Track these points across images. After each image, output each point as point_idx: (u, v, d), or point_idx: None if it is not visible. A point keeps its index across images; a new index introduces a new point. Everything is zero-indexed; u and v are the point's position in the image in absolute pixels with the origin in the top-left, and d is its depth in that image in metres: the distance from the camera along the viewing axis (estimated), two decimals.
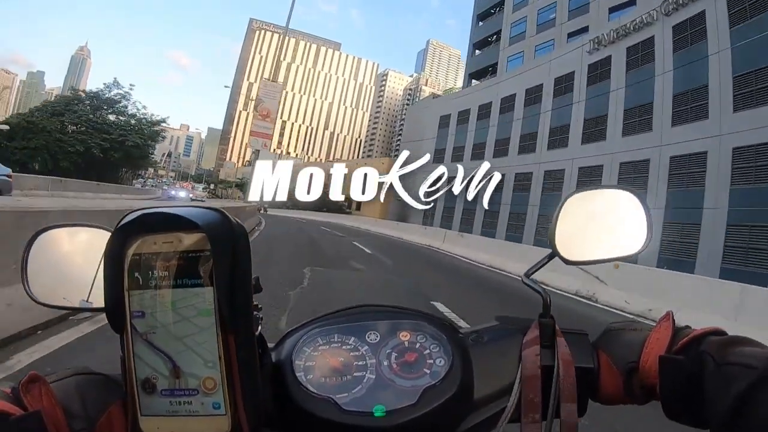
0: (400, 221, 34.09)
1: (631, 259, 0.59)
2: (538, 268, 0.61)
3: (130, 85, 45.93)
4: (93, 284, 0.51)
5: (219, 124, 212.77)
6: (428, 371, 0.54)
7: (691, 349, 0.46)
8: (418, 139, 42.77)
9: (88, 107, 45.78)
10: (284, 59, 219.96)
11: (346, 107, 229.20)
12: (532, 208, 29.26)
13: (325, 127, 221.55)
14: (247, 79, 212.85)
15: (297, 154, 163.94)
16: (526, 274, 0.61)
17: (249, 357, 0.43)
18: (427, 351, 0.56)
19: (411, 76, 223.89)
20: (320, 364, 0.55)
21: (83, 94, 47.19)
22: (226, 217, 0.42)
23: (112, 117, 46.87)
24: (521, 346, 0.55)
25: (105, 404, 0.45)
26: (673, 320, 0.50)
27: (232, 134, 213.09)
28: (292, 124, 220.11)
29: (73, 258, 0.55)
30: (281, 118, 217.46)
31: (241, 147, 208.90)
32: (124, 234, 0.42)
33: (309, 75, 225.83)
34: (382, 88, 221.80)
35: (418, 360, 0.55)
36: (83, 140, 41.81)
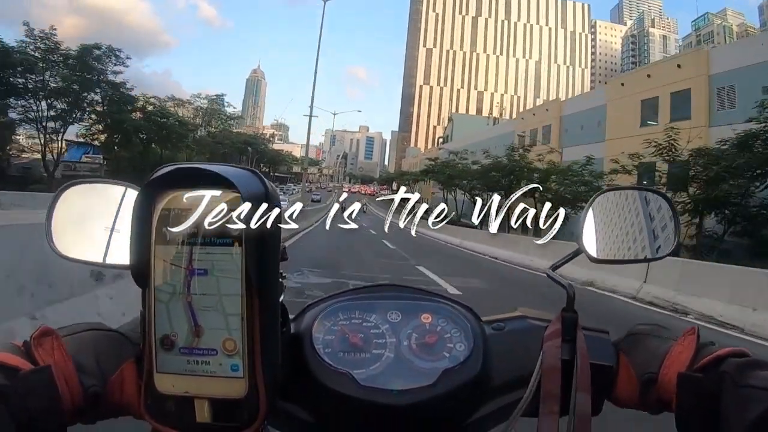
0: None
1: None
2: (564, 263, 0.66)
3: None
4: (114, 240, 0.56)
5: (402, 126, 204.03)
6: (447, 354, 0.59)
7: (712, 369, 0.49)
8: None
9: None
10: (467, 13, 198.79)
11: (558, 65, 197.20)
12: None
13: (536, 95, 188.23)
14: (424, 46, 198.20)
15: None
16: (551, 268, 0.65)
17: (271, 322, 0.47)
18: (448, 335, 0.61)
19: (623, 23, 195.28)
20: (340, 338, 0.60)
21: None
22: (260, 177, 0.46)
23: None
24: (542, 338, 0.59)
25: (118, 361, 0.50)
26: (698, 336, 0.53)
27: (414, 115, 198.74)
28: (492, 94, 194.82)
29: (99, 214, 0.59)
30: (475, 88, 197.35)
31: (427, 127, 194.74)
32: (154, 188, 0.44)
33: (503, 29, 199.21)
34: (592, 42, 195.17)
35: (438, 342, 0.60)
36: None
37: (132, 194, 0.57)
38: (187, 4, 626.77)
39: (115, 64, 36.38)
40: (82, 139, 40.93)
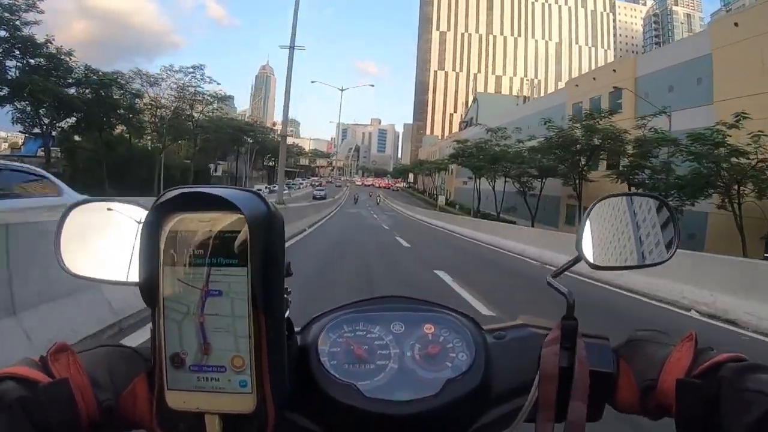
0: None
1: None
2: (564, 270, 0.68)
3: None
4: (122, 259, 0.58)
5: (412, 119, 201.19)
6: (450, 364, 0.60)
7: (710, 374, 0.49)
8: None
9: None
10: None
11: (580, 46, 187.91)
12: None
13: (557, 78, 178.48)
14: (437, 29, 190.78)
15: None
16: (552, 276, 0.66)
17: (278, 338, 0.49)
18: (450, 345, 0.62)
19: (642, 3, 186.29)
20: (345, 350, 0.62)
21: None
22: (264, 200, 0.48)
23: None
24: (542, 345, 0.61)
25: (130, 377, 0.52)
26: (696, 341, 0.54)
27: (429, 102, 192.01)
28: (511, 78, 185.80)
29: (107, 232, 0.61)
30: (493, 73, 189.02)
31: (443, 115, 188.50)
32: (162, 211, 0.47)
33: (520, 10, 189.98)
34: (613, 24, 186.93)
35: (441, 353, 0.62)
36: None
37: (139, 212, 0.59)
38: (195, 3, 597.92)
39: (25, 10, 26.54)
40: (21, 126, 32.16)
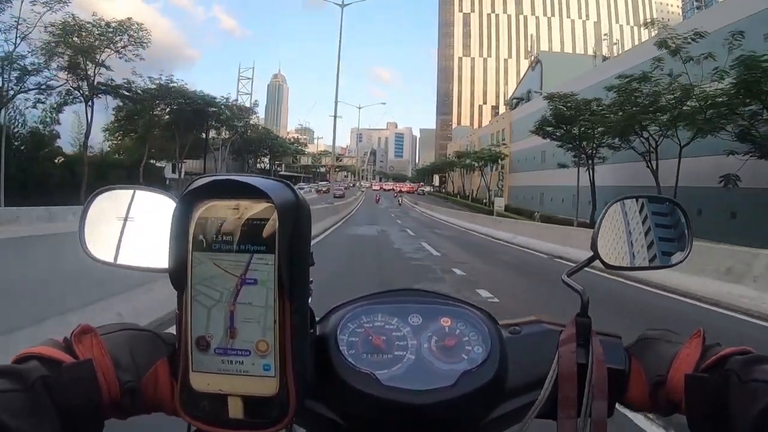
0: None
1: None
2: (579, 269, 0.69)
3: None
4: (146, 246, 0.60)
5: (430, 124, 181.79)
6: (466, 357, 0.62)
7: (718, 368, 0.51)
8: None
9: None
10: None
11: (621, 26, 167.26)
12: None
13: (596, 62, 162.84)
14: (460, 11, 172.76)
15: None
16: (567, 274, 0.68)
17: (301, 324, 0.50)
18: (466, 338, 0.64)
19: None
20: (363, 340, 0.63)
21: None
22: (292, 189, 0.49)
23: None
24: (558, 343, 0.62)
25: (152, 360, 0.53)
26: (704, 338, 0.56)
27: (455, 93, 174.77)
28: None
29: (132, 220, 0.63)
30: (525, 58, 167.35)
31: (471, 107, 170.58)
32: (192, 198, 0.48)
33: None
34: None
35: (457, 345, 0.63)
36: None
37: (161, 199, 0.62)
38: (207, 17, 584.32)
39: None
40: None
